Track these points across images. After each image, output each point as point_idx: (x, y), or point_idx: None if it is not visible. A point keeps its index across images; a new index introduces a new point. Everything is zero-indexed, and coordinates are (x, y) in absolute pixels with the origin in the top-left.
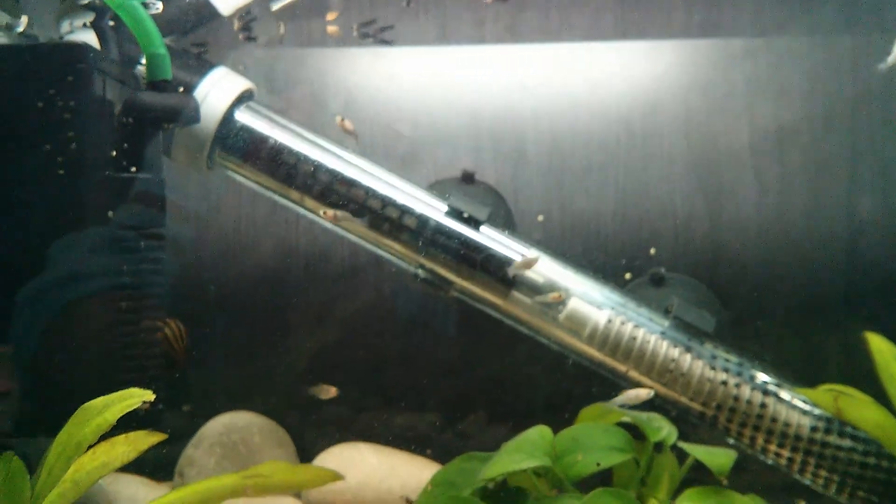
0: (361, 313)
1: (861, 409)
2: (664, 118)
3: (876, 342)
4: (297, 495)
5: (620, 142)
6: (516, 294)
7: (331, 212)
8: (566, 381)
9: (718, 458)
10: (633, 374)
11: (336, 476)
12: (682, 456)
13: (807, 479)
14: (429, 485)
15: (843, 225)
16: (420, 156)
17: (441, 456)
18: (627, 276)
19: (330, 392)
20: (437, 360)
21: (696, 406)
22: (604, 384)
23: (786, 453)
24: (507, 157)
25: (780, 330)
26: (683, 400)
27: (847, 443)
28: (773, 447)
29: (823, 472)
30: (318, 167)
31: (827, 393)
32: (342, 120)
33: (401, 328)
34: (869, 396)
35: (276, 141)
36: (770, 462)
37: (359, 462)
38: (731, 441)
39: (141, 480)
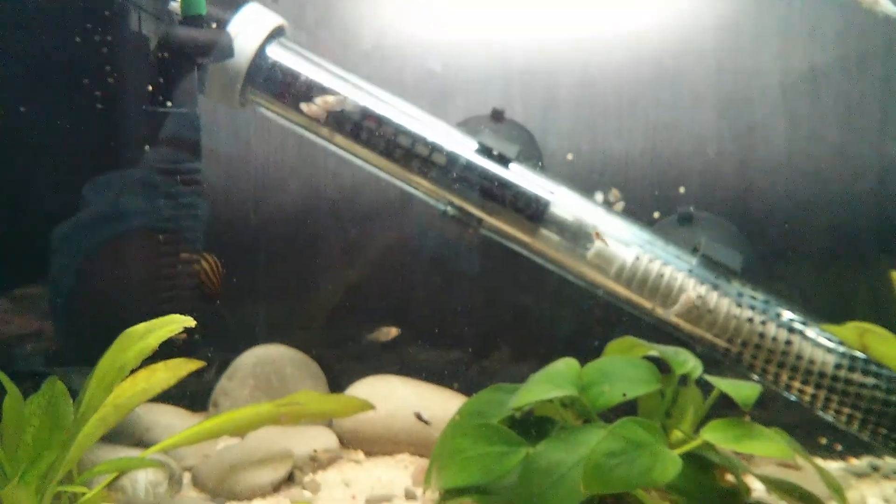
0: (389, 252)
1: (887, 346)
2: (695, 57)
3: None
4: (329, 424)
5: (651, 80)
6: (544, 231)
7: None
8: (590, 318)
9: (743, 390)
10: (660, 311)
11: (367, 405)
12: (707, 390)
13: (829, 416)
14: (457, 415)
15: (874, 165)
16: (451, 94)
17: (467, 390)
18: (656, 214)
19: (390, 333)
20: (462, 297)
21: (722, 342)
22: (630, 321)
23: (809, 390)
24: (538, 95)
25: (809, 268)
26: (709, 336)
27: (870, 380)
28: (796, 384)
29: (846, 409)
30: (350, 105)
31: (853, 329)
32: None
33: (427, 266)
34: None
35: (307, 77)
36: (793, 398)
37: (389, 393)
38: (756, 378)
39: (177, 410)
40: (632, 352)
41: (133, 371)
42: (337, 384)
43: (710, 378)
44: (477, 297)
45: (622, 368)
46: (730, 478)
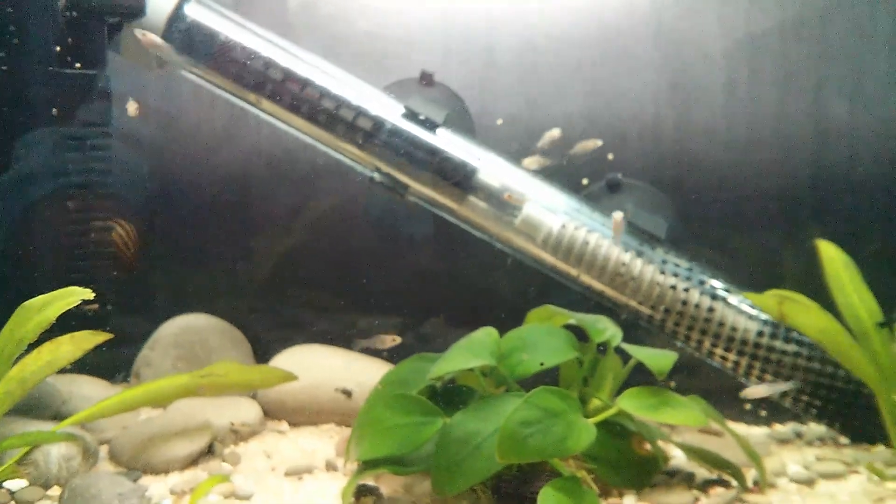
0: (326, 217)
1: (804, 315)
2: (636, 22)
3: (827, 250)
4: (253, 395)
5: (592, 44)
6: (472, 198)
7: None
8: (524, 286)
9: (659, 359)
10: (585, 278)
11: (289, 376)
12: (628, 358)
13: (752, 383)
14: (379, 384)
15: (810, 131)
16: (388, 56)
17: (400, 358)
18: (585, 181)
19: (386, 342)
20: (401, 263)
21: (645, 309)
22: (561, 289)
23: (732, 357)
24: (478, 59)
25: (745, 235)
26: (633, 303)
27: (792, 347)
28: (719, 351)
29: (768, 377)
30: (270, 65)
31: (772, 298)
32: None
33: (364, 233)
34: (816, 303)
35: (227, 37)
36: (717, 365)
37: (314, 363)
38: (679, 344)
39: (97, 382)
40: (552, 320)
41: (35, 344)
42: (265, 354)
43: (626, 347)
44: (415, 263)
45: (541, 337)
46: (647, 446)
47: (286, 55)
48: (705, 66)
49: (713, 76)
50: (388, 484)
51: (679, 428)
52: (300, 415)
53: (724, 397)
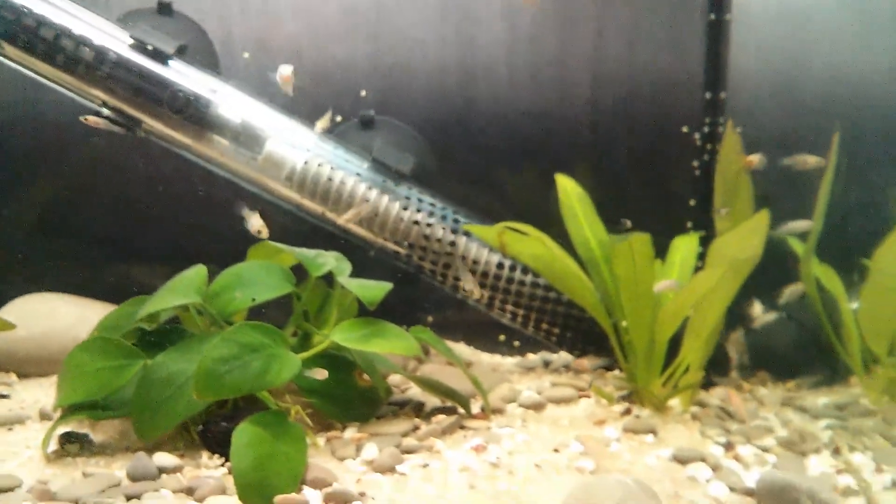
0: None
1: (521, 243)
2: None
3: (563, 182)
4: None
5: None
6: (211, 135)
7: None
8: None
9: (371, 290)
10: (331, 215)
11: (6, 325)
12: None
13: (496, 314)
14: (95, 330)
15: (587, 75)
16: None
17: None
18: (339, 118)
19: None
20: (149, 209)
21: (391, 245)
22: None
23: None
24: None
25: (525, 175)
26: (379, 240)
27: (530, 278)
28: (463, 283)
29: (510, 307)
30: None
31: (494, 229)
32: None
33: (116, 176)
34: (542, 233)
35: None
36: (461, 297)
37: (46, 312)
38: (426, 277)
39: None
40: (275, 258)
41: None
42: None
43: (342, 280)
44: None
45: (256, 274)
46: (367, 377)
47: None
48: (488, 9)
49: (495, 19)
50: (103, 431)
51: (440, 361)
52: (30, 365)
53: (480, 329)
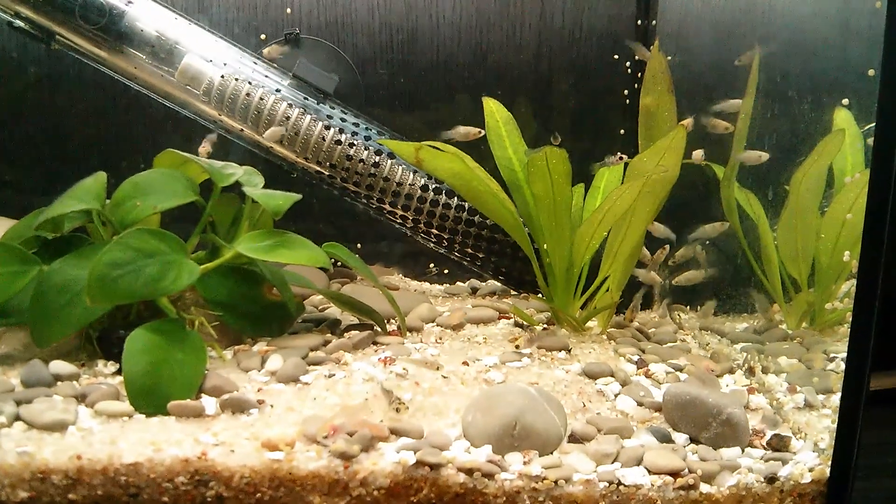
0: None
1: (438, 160)
2: None
3: (490, 106)
4: None
5: None
6: (125, 47)
7: None
8: None
9: (275, 200)
10: (249, 132)
11: None
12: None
13: (420, 237)
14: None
15: (536, 12)
16: None
17: None
18: (263, 36)
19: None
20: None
21: (313, 165)
22: None
23: (399, 212)
24: None
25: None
26: (301, 160)
27: (455, 201)
28: (387, 206)
29: (434, 230)
30: None
31: (411, 145)
32: None
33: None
34: (460, 151)
35: None
36: (386, 220)
37: None
38: (349, 200)
39: None
40: (183, 167)
41: None
42: None
43: (247, 189)
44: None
45: (159, 182)
46: (275, 292)
47: None
48: None
49: None
50: (7, 342)
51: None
52: None
53: (415, 256)
